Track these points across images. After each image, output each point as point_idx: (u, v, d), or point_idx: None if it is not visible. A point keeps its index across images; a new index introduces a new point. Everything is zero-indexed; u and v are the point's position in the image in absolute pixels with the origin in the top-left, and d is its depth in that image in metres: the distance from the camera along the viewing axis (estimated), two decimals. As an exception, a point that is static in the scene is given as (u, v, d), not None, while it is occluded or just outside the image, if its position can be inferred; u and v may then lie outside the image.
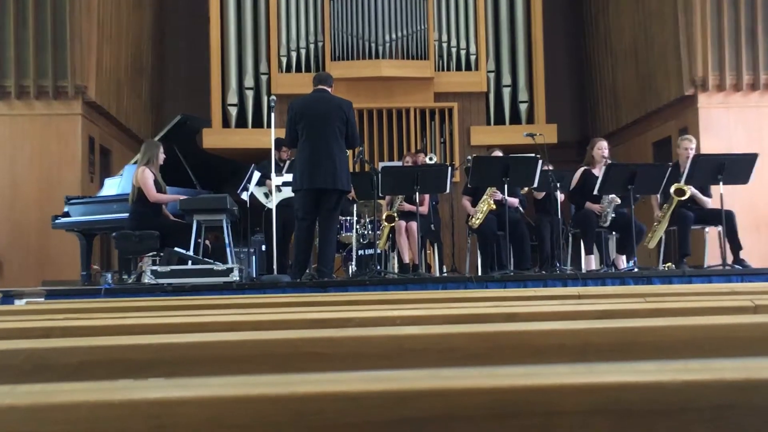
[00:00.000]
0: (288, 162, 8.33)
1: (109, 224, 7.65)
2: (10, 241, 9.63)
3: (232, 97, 11.89)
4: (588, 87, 13.62)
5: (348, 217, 8.36)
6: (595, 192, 7.25)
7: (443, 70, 11.97)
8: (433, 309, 2.47)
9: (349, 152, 7.23)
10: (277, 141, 7.69)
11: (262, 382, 1.04)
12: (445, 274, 8.17)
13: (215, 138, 11.55)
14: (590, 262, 7.43)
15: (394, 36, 11.74)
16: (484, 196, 7.57)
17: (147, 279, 6.39)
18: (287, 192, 7.60)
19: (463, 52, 12.00)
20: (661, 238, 7.54)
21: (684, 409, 1.04)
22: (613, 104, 12.60)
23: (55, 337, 1.95)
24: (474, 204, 7.70)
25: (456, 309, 2.47)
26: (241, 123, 11.89)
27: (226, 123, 11.90)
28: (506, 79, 12.17)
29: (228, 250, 6.99)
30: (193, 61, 13.04)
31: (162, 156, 7.19)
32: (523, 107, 12.11)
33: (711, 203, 7.56)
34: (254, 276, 7.90)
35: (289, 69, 11.87)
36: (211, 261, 6.66)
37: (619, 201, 7.34)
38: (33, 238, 9.61)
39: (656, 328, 1.76)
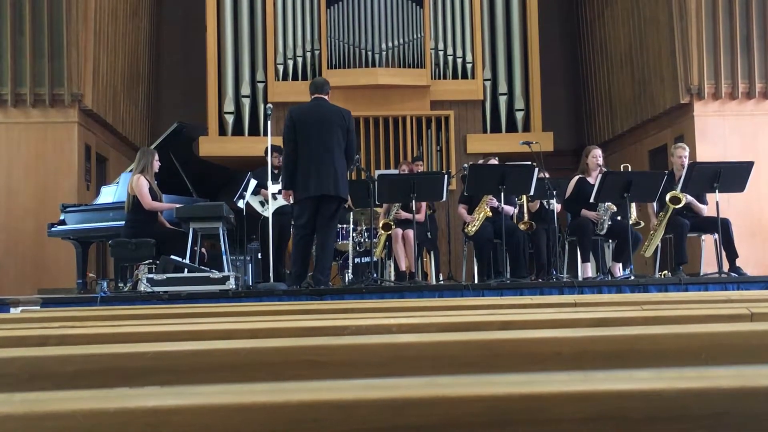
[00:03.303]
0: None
1: (105, 232, 7.63)
2: (6, 249, 9.61)
3: (229, 105, 11.90)
4: (584, 95, 13.65)
5: (344, 225, 8.36)
6: (592, 200, 7.26)
7: (439, 78, 12.00)
8: (430, 317, 2.47)
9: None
10: (271, 147, 7.68)
11: (257, 390, 1.04)
12: (442, 282, 8.16)
13: (212, 146, 11.56)
14: (586, 270, 7.43)
15: (390, 44, 11.77)
16: (480, 203, 7.58)
17: (143, 287, 6.37)
18: (283, 199, 7.61)
19: (459, 61, 12.03)
20: (657, 245, 7.55)
21: (680, 416, 1.05)
22: (609, 112, 12.63)
23: (50, 346, 1.94)
24: (470, 212, 7.71)
25: (452, 317, 2.47)
26: (238, 131, 11.90)
27: (222, 131, 11.91)
28: (502, 88, 12.20)
29: (224, 258, 6.98)
30: (190, 69, 13.04)
31: (157, 163, 7.18)
32: (519, 115, 12.13)
33: (707, 211, 7.57)
34: (250, 284, 7.89)
35: (285, 77, 11.89)
36: (207, 269, 6.65)
37: (615, 209, 7.35)
38: (29, 245, 9.59)
39: (652, 336, 1.77)
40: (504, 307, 3.16)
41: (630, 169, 7.89)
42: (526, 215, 8.28)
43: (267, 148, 7.63)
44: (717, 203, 7.17)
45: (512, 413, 1.03)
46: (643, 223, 7.72)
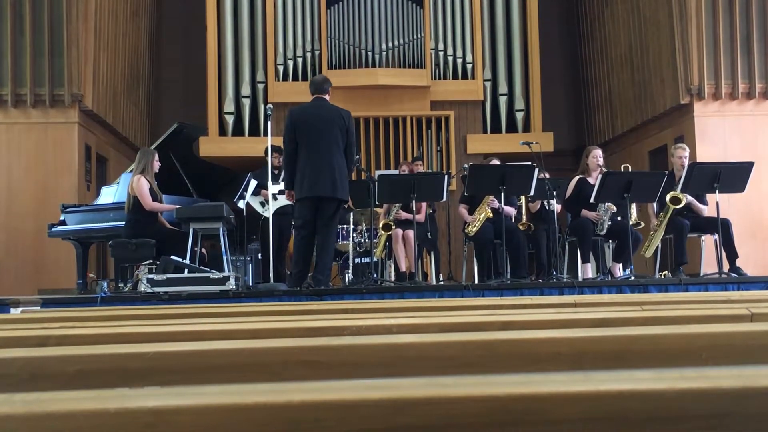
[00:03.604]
0: (284, 170, 8.32)
1: (106, 232, 7.64)
2: (6, 249, 9.61)
3: (229, 106, 11.90)
4: (584, 95, 13.65)
5: (344, 225, 8.36)
6: (592, 200, 7.26)
7: (439, 78, 12.00)
8: (430, 317, 2.47)
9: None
10: (270, 147, 7.68)
11: (258, 390, 1.04)
12: (442, 283, 8.16)
13: (212, 146, 11.57)
14: (587, 271, 7.43)
15: (390, 45, 11.78)
16: (482, 204, 7.58)
17: (143, 287, 6.37)
18: (283, 200, 7.61)
19: (459, 61, 12.03)
20: (657, 246, 7.55)
21: (680, 417, 1.04)
22: (609, 112, 12.63)
23: (51, 346, 1.94)
24: (471, 212, 7.70)
25: (452, 317, 2.47)
26: (238, 131, 11.91)
27: (222, 131, 11.91)
28: (502, 88, 12.21)
29: (224, 258, 6.98)
30: (190, 69, 13.05)
31: (157, 164, 7.19)
32: (519, 115, 12.14)
33: (707, 211, 7.57)
34: (250, 284, 7.89)
35: (285, 77, 11.89)
36: (208, 269, 6.65)
37: (615, 209, 7.35)
38: (29, 246, 9.59)
39: (652, 336, 1.76)
40: (504, 308, 3.16)
41: (630, 170, 7.89)
42: (524, 216, 8.28)
43: (267, 148, 7.64)
44: (717, 203, 7.17)
45: (512, 413, 1.02)
46: (643, 224, 7.72)
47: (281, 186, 7.07)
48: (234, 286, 6.40)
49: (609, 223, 7.39)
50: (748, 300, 3.29)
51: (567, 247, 8.01)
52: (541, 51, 12.30)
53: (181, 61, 13.47)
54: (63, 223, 7.89)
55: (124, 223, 7.14)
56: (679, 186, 7.25)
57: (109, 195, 7.98)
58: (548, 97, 12.59)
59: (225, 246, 7.05)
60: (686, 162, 7.53)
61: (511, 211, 7.73)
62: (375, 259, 8.16)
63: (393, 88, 11.75)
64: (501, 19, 12.40)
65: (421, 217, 7.82)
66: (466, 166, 7.98)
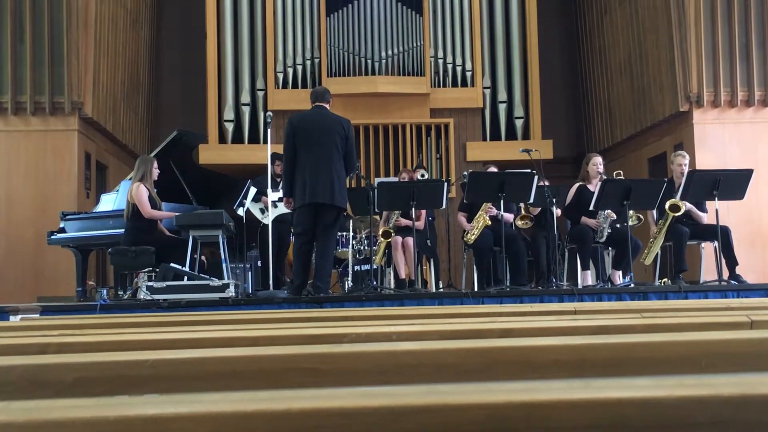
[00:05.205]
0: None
1: (105, 240, 7.63)
2: (6, 257, 9.60)
3: (229, 113, 11.91)
4: (583, 103, 13.66)
5: (344, 233, 8.35)
6: (591, 207, 7.26)
7: (439, 86, 12.01)
8: (429, 324, 2.47)
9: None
10: (274, 155, 7.70)
11: (257, 398, 1.03)
12: (441, 290, 8.15)
13: (212, 153, 11.57)
14: (586, 278, 7.43)
15: (390, 52, 11.79)
16: (480, 212, 7.57)
17: (142, 295, 6.37)
18: (283, 207, 7.61)
19: (458, 69, 12.04)
20: (657, 253, 7.55)
21: (680, 424, 1.04)
22: (609, 120, 12.64)
23: (50, 354, 1.94)
24: (469, 220, 7.71)
25: (452, 324, 2.47)
26: (238, 139, 11.91)
27: (222, 139, 11.92)
28: (502, 95, 12.22)
29: (224, 265, 6.98)
30: (190, 77, 13.06)
31: (156, 171, 7.19)
32: (518, 123, 12.14)
33: (707, 218, 7.57)
34: (250, 292, 7.88)
35: (285, 85, 11.90)
36: (207, 277, 6.65)
37: (614, 216, 7.35)
38: (28, 253, 9.58)
39: (652, 343, 1.76)
40: (504, 315, 3.16)
41: (623, 176, 7.84)
42: (523, 210, 8.23)
43: (269, 156, 7.65)
44: (716, 211, 7.17)
45: (512, 421, 1.02)
46: (642, 219, 7.67)
47: (281, 193, 7.08)
48: (233, 294, 6.39)
49: (609, 231, 7.39)
50: (747, 307, 3.29)
51: (567, 254, 8.01)
52: (540, 58, 12.32)
53: (181, 68, 13.48)
54: (62, 230, 7.89)
55: (123, 230, 7.13)
56: (679, 193, 7.25)
57: (108, 202, 7.98)
58: (548, 104, 12.60)
59: (224, 253, 7.05)
60: (686, 170, 7.53)
61: (510, 217, 7.73)
62: (374, 267, 8.16)
63: (392, 96, 11.76)
64: (500, 26, 12.42)
65: (420, 225, 7.82)
66: (465, 173, 7.98)
